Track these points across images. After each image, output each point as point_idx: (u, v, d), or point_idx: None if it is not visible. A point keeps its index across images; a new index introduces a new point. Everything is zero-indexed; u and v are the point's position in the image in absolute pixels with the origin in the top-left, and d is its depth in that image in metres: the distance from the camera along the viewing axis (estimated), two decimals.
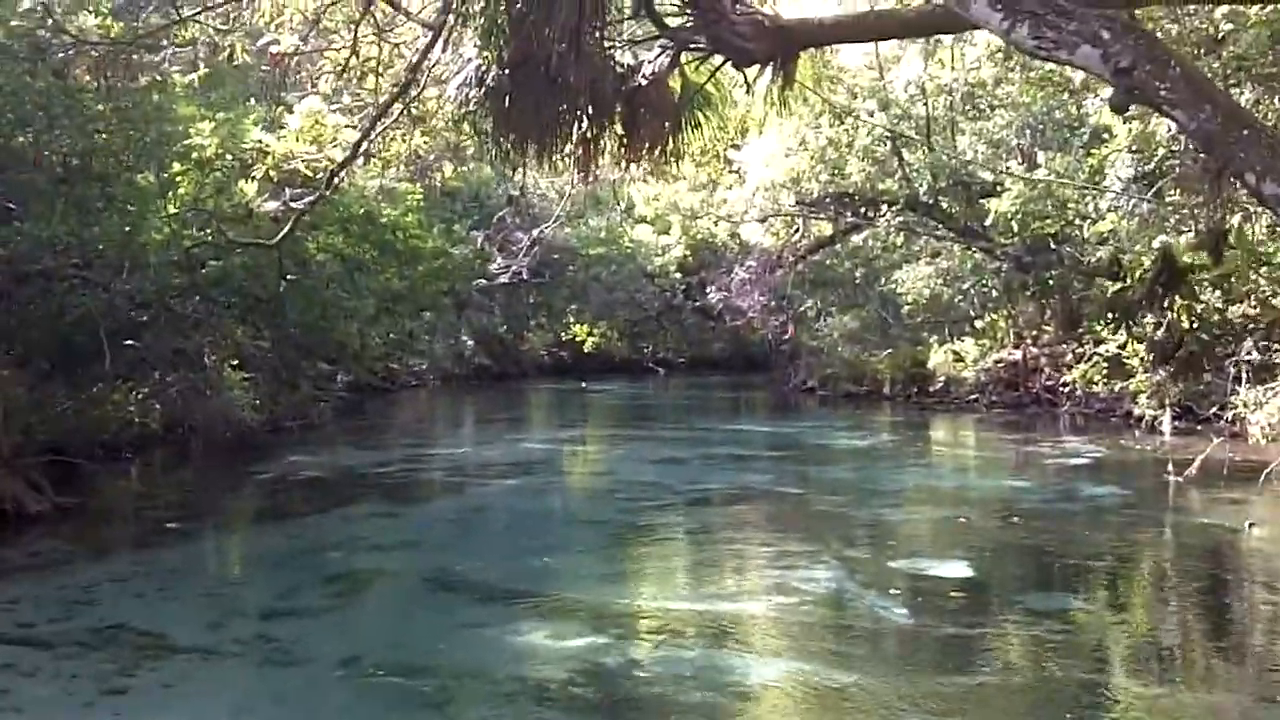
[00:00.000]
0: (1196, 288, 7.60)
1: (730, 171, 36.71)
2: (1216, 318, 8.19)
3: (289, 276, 17.90)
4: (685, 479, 19.47)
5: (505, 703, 8.23)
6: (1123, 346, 19.02)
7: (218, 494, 18.64)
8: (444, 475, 20.16)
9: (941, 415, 31.20)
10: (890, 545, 13.79)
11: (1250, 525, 13.87)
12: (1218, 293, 7.97)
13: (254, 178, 17.18)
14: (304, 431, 26.60)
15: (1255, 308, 8.39)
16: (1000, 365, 32.82)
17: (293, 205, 15.60)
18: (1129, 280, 7.89)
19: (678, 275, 47.97)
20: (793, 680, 8.52)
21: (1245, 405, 18.05)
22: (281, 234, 15.50)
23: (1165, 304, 7.78)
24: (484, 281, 31.35)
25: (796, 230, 35.56)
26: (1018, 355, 32.53)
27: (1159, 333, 9.06)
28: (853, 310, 38.92)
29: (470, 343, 48.44)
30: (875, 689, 8.18)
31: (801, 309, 39.88)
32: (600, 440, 28.40)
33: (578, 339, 49.62)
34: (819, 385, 39.35)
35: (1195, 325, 7.96)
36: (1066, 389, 29.26)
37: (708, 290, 38.43)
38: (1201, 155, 7.22)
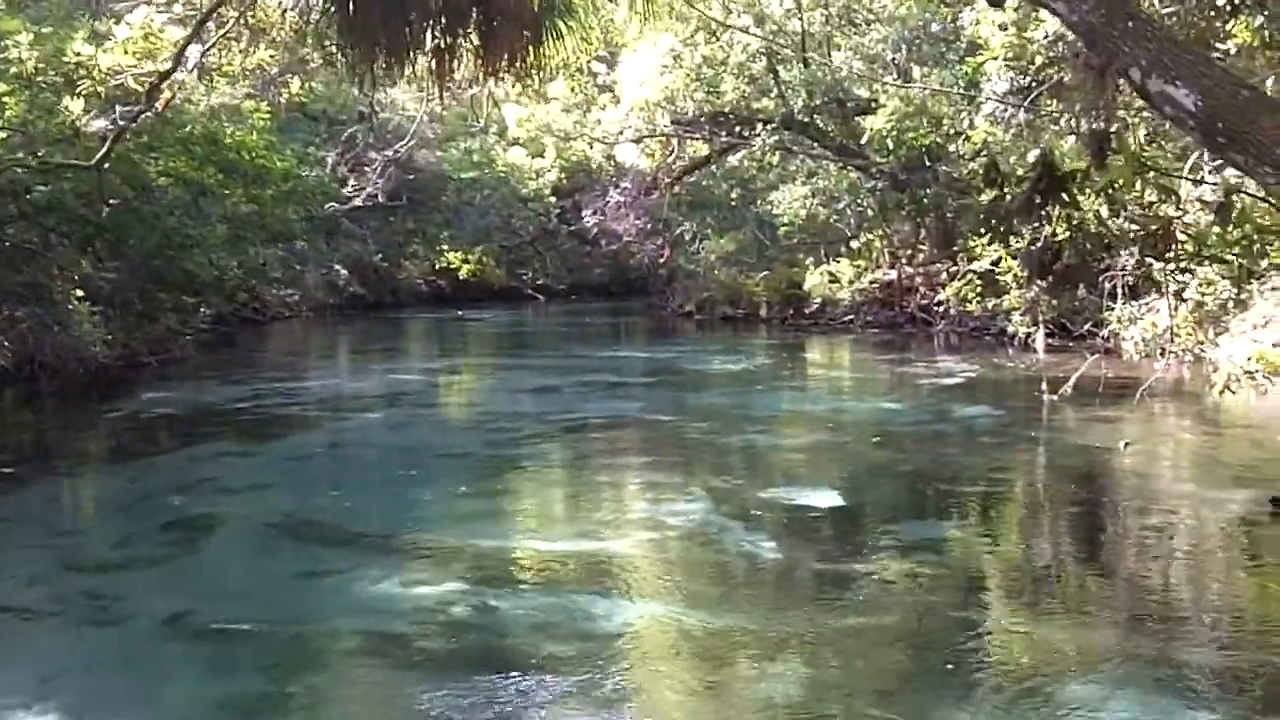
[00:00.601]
0: (1078, 196, 7.24)
1: (604, 91, 35.99)
2: (1096, 229, 7.86)
3: (129, 202, 16.77)
4: (557, 408, 18.92)
5: (344, 661, 7.62)
6: (996, 263, 18.76)
7: (61, 434, 17.63)
8: (305, 410, 19.34)
9: (818, 337, 31.09)
10: (761, 473, 13.39)
11: (1125, 445, 13.69)
12: (1099, 201, 7.61)
13: (80, 95, 16.01)
14: (164, 367, 25.46)
15: (1136, 218, 8.07)
16: (875, 285, 32.79)
17: (123, 124, 14.53)
18: (1005, 189, 7.50)
19: (552, 199, 47.18)
20: (659, 624, 8.01)
21: (1119, 321, 17.93)
22: (100, 154, 14.44)
23: (1043, 214, 7.40)
24: (336, 206, 29.75)
25: (672, 151, 34.97)
26: (893, 275, 32.50)
27: (1035, 245, 8.70)
28: (729, 233, 38.55)
29: (344, 272, 47.27)
30: (745, 631, 7.71)
31: (678, 232, 39.41)
32: (473, 370, 27.70)
33: (453, 266, 48.60)
34: (696, 309, 39.12)
35: (1074, 236, 7.61)
36: (941, 308, 29.25)
37: (583, 214, 37.68)
38: (1083, 51, 6.68)
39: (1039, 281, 8.70)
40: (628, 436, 16.38)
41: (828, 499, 11.56)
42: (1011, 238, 8.39)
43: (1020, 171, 8.21)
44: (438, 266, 49.39)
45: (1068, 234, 8.07)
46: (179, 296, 27.94)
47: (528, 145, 45.56)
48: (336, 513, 11.65)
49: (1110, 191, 7.80)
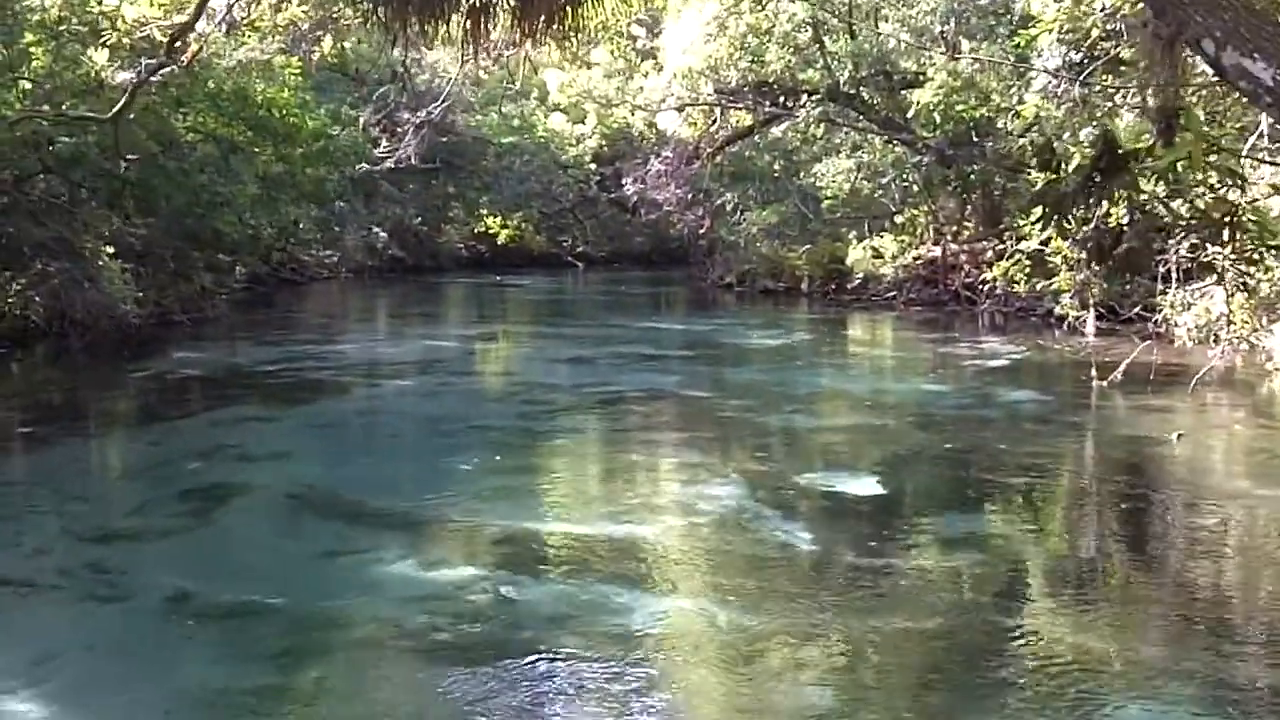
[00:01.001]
0: (1140, 178, 6.73)
1: (646, 58, 35.47)
2: (1157, 212, 7.36)
3: (155, 157, 16.39)
4: (591, 380, 18.54)
5: (355, 649, 7.22)
6: (1045, 243, 18.18)
7: (86, 394, 17.41)
8: (336, 375, 19.00)
9: (859, 313, 30.54)
10: (798, 456, 12.95)
11: (1177, 436, 13.15)
12: (1162, 184, 7.10)
13: (105, 46, 15.58)
14: (197, 326, 25.32)
15: (1200, 201, 7.55)
16: (919, 262, 32.16)
17: (143, 76, 14.12)
18: (1062, 170, 6.99)
19: (592, 167, 46.69)
20: (685, 619, 7.61)
21: (1173, 308, 17.33)
22: (118, 106, 14.05)
23: (1103, 195, 6.91)
24: (368, 166, 29.18)
25: (714, 121, 34.39)
26: (937, 252, 31.87)
27: (1092, 228, 8.22)
28: (772, 205, 37.93)
29: (383, 234, 47.05)
30: (776, 629, 7.30)
31: (719, 203, 38.84)
32: (509, 337, 27.35)
33: (491, 232, 48.30)
34: (737, 281, 38.67)
35: (1135, 219, 7.11)
36: (986, 287, 28.60)
37: (623, 182, 37.16)
38: (1150, 20, 6.18)
39: (1096, 266, 8.17)
40: (662, 412, 15.97)
41: (867, 486, 11.12)
42: (1067, 222, 7.86)
43: (1077, 152, 7.72)
44: (476, 231, 49.11)
45: (1128, 217, 7.56)
46: (213, 255, 27.75)
47: (569, 111, 45.08)
48: (360, 485, 11.30)
49: (1173, 173, 7.28)
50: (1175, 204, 7.94)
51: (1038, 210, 7.80)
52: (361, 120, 23.88)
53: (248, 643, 7.24)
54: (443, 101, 25.44)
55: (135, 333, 22.24)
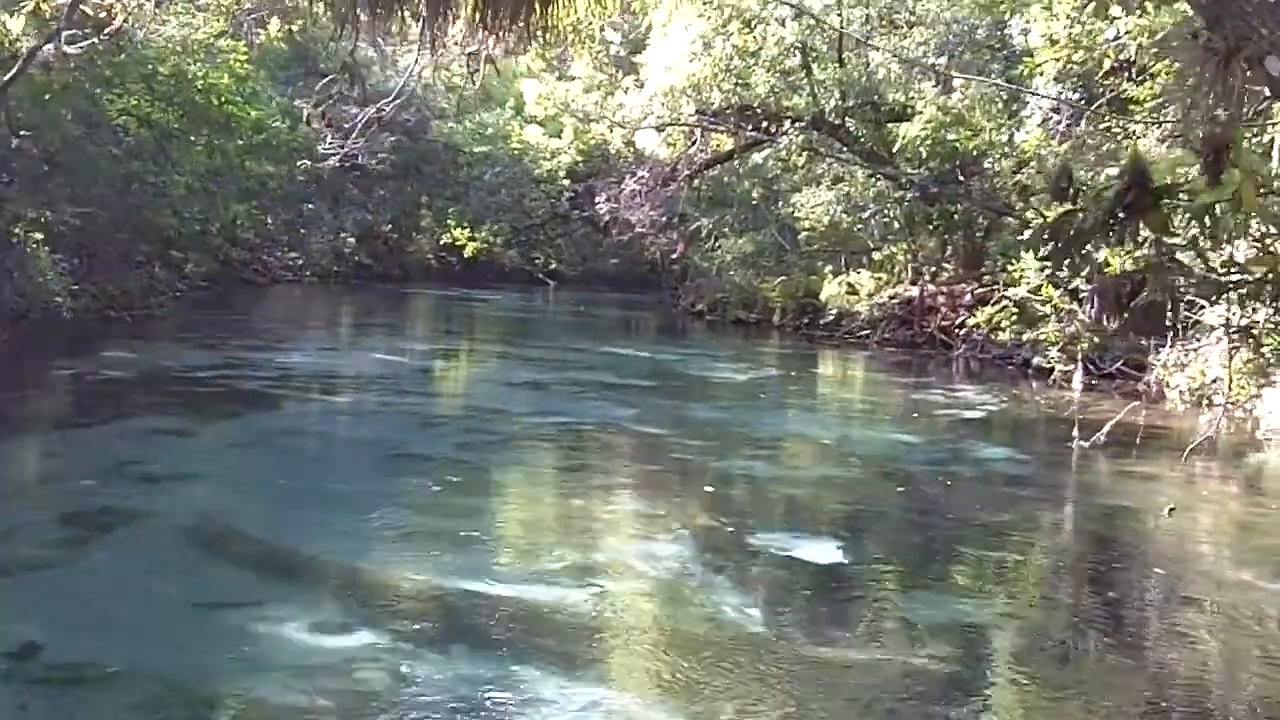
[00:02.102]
0: (1171, 216, 5.72)
1: (627, 74, 34.47)
2: (1195, 262, 6.37)
3: (75, 140, 15.10)
4: (542, 409, 17.41)
5: None
6: (1036, 290, 17.13)
7: None
8: (269, 385, 17.78)
9: (831, 350, 29.51)
10: (755, 511, 11.79)
11: (1169, 510, 12.07)
12: (1196, 227, 6.08)
13: (20, 13, 14.31)
14: (139, 324, 24.13)
15: (1237, 252, 6.56)
16: (895, 301, 31.13)
17: (68, 50, 12.90)
18: (1077, 202, 5.92)
19: (566, 182, 45.56)
20: (601, 716, 6.47)
21: (1165, 367, 16.35)
22: (9, 75, 12.83)
23: (1126, 234, 5.86)
24: (308, 163, 27.61)
25: (694, 142, 33.36)
26: (914, 292, 30.83)
27: (1107, 275, 7.31)
28: (749, 233, 36.95)
29: (351, 240, 45.90)
30: None
31: (694, 227, 37.85)
32: (465, 356, 26.18)
33: (459, 243, 47.05)
34: (708, 309, 37.72)
35: (1162, 267, 6.10)
36: (963, 331, 27.65)
37: (597, 200, 36.00)
38: (1202, 32, 5.08)
39: (1108, 318, 7.05)
40: (614, 450, 14.87)
41: (827, 552, 10.01)
42: (1078, 261, 6.74)
43: (1099, 183, 6.61)
44: (443, 241, 47.93)
45: (1155, 264, 6.46)
46: (165, 251, 26.57)
47: (545, 124, 44.02)
48: (264, 520, 10.13)
49: (1212, 217, 6.19)
50: (1211, 254, 6.86)
51: (1045, 246, 6.67)
52: (305, 113, 22.45)
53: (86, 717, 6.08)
54: (395, 98, 24.06)
55: (69, 328, 21.01)
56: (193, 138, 19.76)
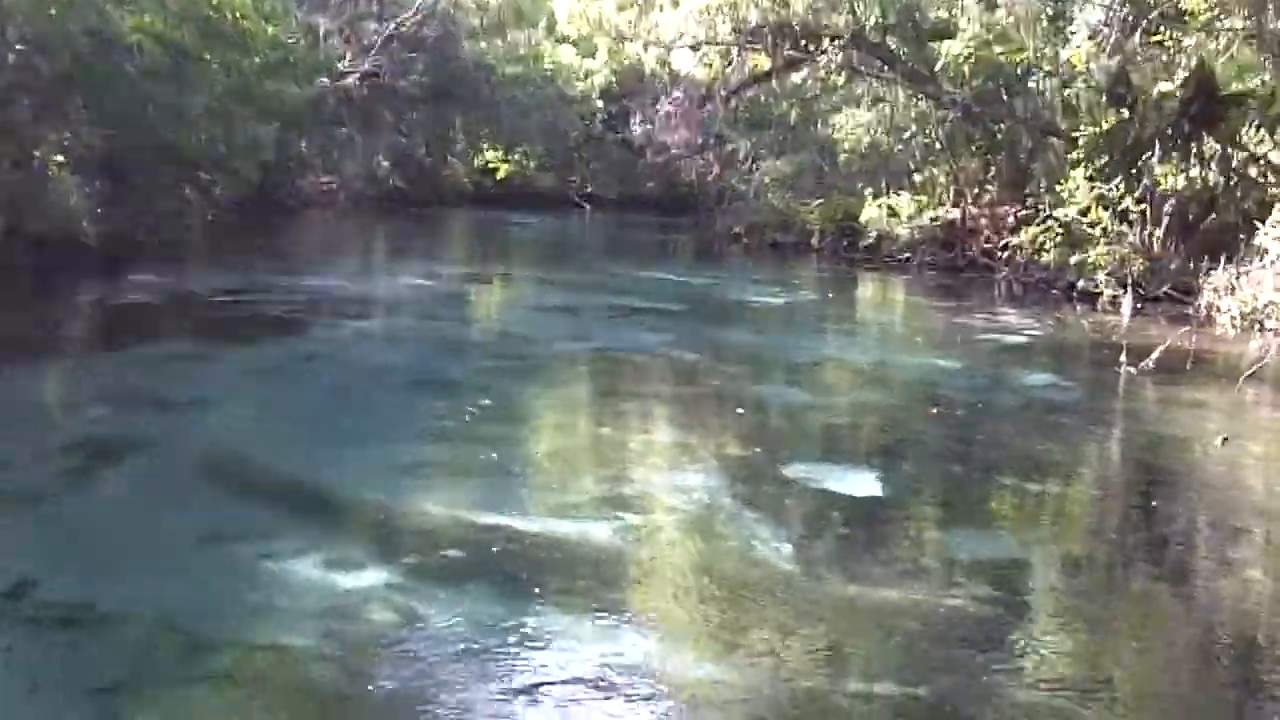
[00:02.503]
0: (1240, 129, 5.14)
1: None
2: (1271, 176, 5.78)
3: (81, 59, 14.57)
4: (572, 333, 17.02)
5: (201, 694, 5.66)
6: (1085, 211, 16.45)
7: (8, 316, 15.79)
8: (295, 310, 17.43)
9: (870, 274, 28.91)
10: (788, 440, 11.34)
11: (1222, 440, 11.55)
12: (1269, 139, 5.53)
13: None
14: (167, 248, 23.80)
15: None
16: (936, 224, 30.40)
17: None
18: (1134, 112, 5.31)
19: (599, 104, 44.75)
20: (604, 669, 6.03)
21: (1216, 292, 15.72)
22: None
23: (1192, 147, 5.27)
24: (326, 81, 26.63)
25: (730, 63, 32.57)
26: (956, 214, 30.11)
27: (1175, 191, 6.74)
28: (786, 155, 36.21)
29: (385, 164, 45.41)
30: (719, 697, 5.78)
31: (730, 150, 37.14)
32: (497, 280, 25.73)
33: (491, 166, 46.51)
34: (745, 233, 36.98)
35: (1234, 183, 5.53)
36: (1005, 254, 26.99)
37: (631, 122, 35.25)
38: None
39: (1173, 239, 6.51)
40: (644, 376, 14.43)
41: (863, 484, 9.57)
42: (1137, 174, 6.16)
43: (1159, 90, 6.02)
44: (476, 165, 47.36)
45: (1225, 179, 5.90)
46: (192, 174, 26.18)
47: (578, 44, 43.20)
48: (279, 449, 9.79)
49: None
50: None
51: (1099, 159, 6.13)
52: (322, 28, 21.68)
53: (72, 666, 5.74)
54: (415, 13, 23.35)
55: (93, 252, 20.69)
56: (207, 55, 19.20)
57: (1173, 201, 6.54)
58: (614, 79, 43.96)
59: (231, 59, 19.81)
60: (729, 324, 19.65)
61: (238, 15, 19.22)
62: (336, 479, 8.95)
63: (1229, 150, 5.01)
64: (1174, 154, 5.23)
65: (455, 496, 8.72)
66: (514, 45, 42.39)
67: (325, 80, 23.23)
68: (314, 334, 15.81)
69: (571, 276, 26.64)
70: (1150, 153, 5.25)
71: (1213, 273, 15.76)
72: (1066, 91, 21.31)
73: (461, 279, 24.50)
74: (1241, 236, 5.79)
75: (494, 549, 7.63)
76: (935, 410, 12.67)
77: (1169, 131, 5.04)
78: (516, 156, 46.85)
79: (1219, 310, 15.92)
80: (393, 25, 21.68)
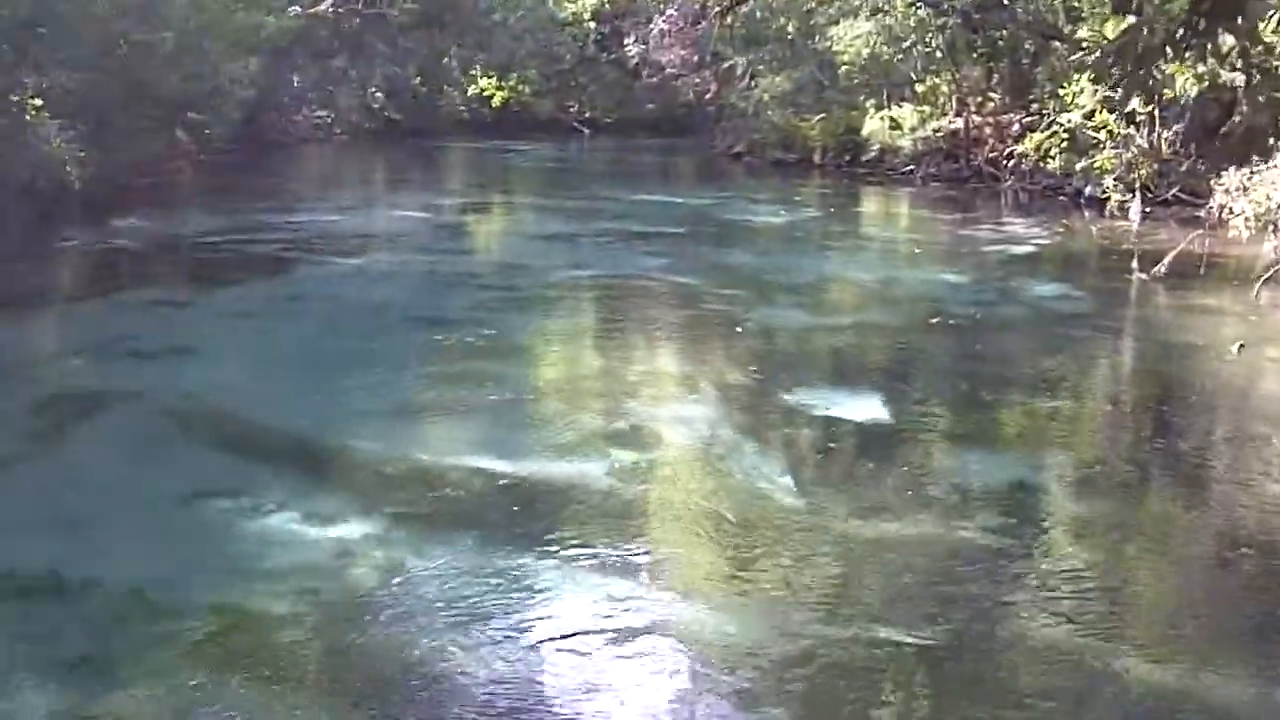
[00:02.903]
0: (1261, 24, 4.73)
1: None
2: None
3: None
4: (566, 261, 16.61)
5: (172, 669, 5.29)
6: (1089, 115, 15.88)
7: None
8: (284, 249, 17.01)
9: (874, 188, 28.40)
10: (790, 365, 10.93)
11: (1238, 347, 11.15)
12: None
13: None
14: (155, 190, 23.40)
15: None
16: (940, 134, 29.78)
17: None
18: (1146, 11, 4.92)
19: (592, 25, 43.80)
20: (612, 621, 5.71)
21: (1228, 193, 15.20)
22: None
23: (1207, 45, 4.84)
24: (298, 10, 25.38)
25: None
26: (959, 124, 29.48)
27: (1192, 95, 6.31)
28: (785, 71, 35.45)
29: (380, 95, 44.67)
30: (721, 644, 5.46)
31: (727, 66, 36.38)
32: (492, 209, 25.26)
33: (486, 93, 45.65)
34: (746, 151, 36.37)
35: (1255, 81, 5.10)
36: (1011, 163, 26.43)
37: (625, 42, 34.40)
38: None
39: (1194, 146, 6.05)
40: (641, 303, 14.04)
41: (869, 409, 9.19)
42: (1149, 80, 5.72)
43: None
44: (470, 93, 46.53)
45: (1248, 80, 5.46)
46: (179, 114, 25.68)
47: None
48: (259, 397, 9.42)
49: None
50: None
51: (1110, 67, 5.69)
52: None
53: (37, 639, 5.42)
54: None
55: (79, 196, 20.23)
56: None
57: (1190, 105, 6.09)
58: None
59: None
60: (729, 245, 19.19)
61: None
62: (323, 427, 8.62)
63: (1248, 45, 4.58)
64: (1188, 56, 4.79)
65: (447, 440, 8.39)
66: None
67: (298, 8, 22.21)
68: (302, 272, 15.40)
69: (569, 203, 26.13)
70: (1162, 57, 4.84)
71: (1224, 174, 15.26)
72: None
73: (457, 209, 24.03)
74: (1272, 140, 5.30)
75: (483, 496, 7.32)
76: (939, 322, 12.28)
77: (1181, 33, 4.62)
78: (511, 82, 45.96)
79: (1231, 213, 15.41)
80: None
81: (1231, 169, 15.01)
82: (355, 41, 39.65)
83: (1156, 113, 15.45)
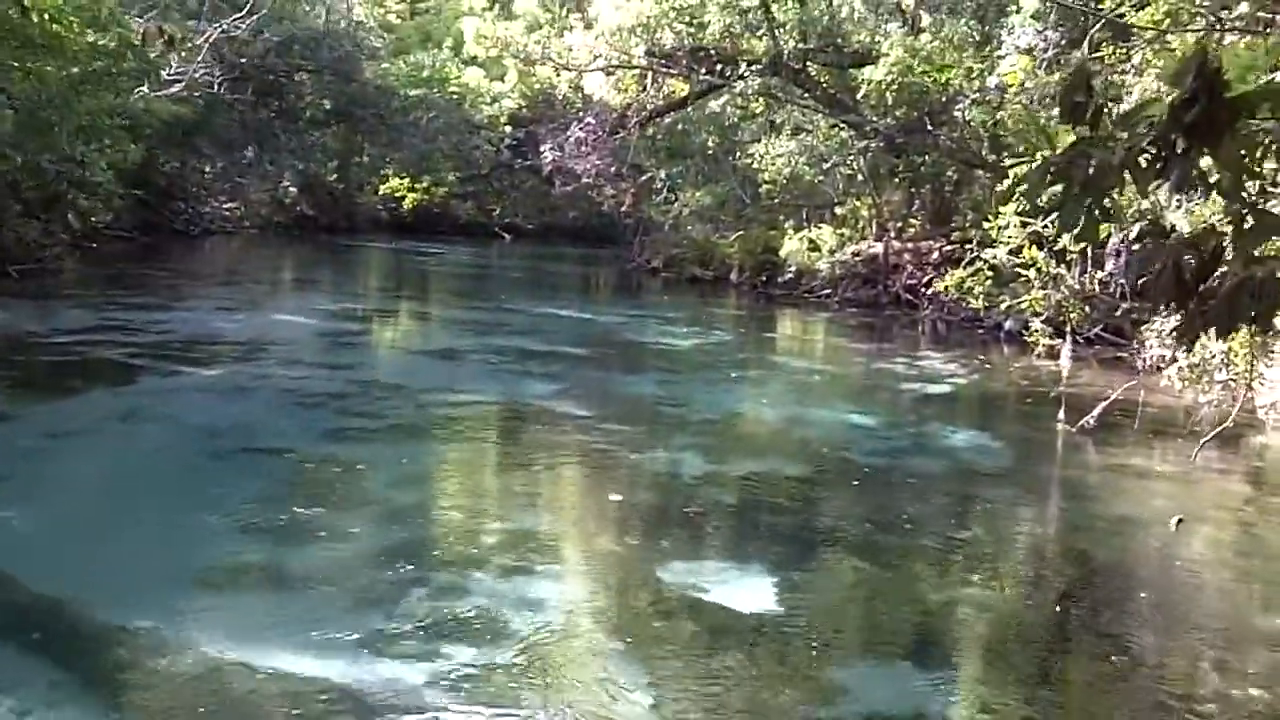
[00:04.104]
0: (1259, 142, 3.71)
1: (574, 12, 32.10)
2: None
3: None
4: (448, 383, 15.21)
5: None
6: (1016, 251, 14.78)
7: None
8: (137, 353, 15.39)
9: (790, 310, 27.49)
10: (672, 530, 9.40)
11: (1177, 522, 9.93)
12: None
13: None
14: (21, 280, 21.87)
15: None
16: (859, 259, 29.03)
17: None
18: (1097, 126, 3.85)
19: (508, 129, 42.88)
20: None
21: (1159, 337, 14.16)
22: None
23: (1190, 169, 3.76)
24: (145, 91, 23.85)
25: (645, 88, 30.98)
26: (879, 249, 28.71)
27: (1165, 236, 5.35)
28: (707, 186, 34.69)
29: (293, 189, 43.49)
30: None
31: (644, 179, 35.54)
32: (385, 317, 23.79)
33: (396, 193, 44.53)
34: (664, 266, 35.64)
35: (1247, 223, 4.04)
36: (929, 291, 25.57)
37: (541, 149, 33.32)
38: None
39: (1171, 306, 4.78)
40: (516, 440, 12.65)
41: (758, 596, 7.77)
42: (1098, 215, 4.43)
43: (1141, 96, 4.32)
44: (381, 192, 45.44)
45: (1239, 218, 4.19)
46: (57, 199, 24.21)
47: (487, 67, 41.33)
48: (30, 553, 7.81)
49: None
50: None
51: (1049, 192, 4.43)
52: (142, 29, 19.17)
53: None
54: (247, 12, 20.94)
55: None
56: (15, 64, 16.94)
57: (1160, 250, 5.15)
58: (524, 104, 42.03)
59: (34, 67, 17.44)
60: (631, 371, 17.90)
61: (46, 18, 16.74)
62: (102, 600, 7.04)
63: (1250, 168, 3.62)
64: (1157, 180, 3.78)
65: (245, 624, 6.84)
66: (418, 66, 40.29)
67: (144, 90, 20.61)
68: (147, 385, 13.80)
69: (471, 313, 24.85)
70: (1118, 183, 3.86)
71: (1156, 318, 14.28)
72: (1000, 114, 19.80)
73: (348, 315, 22.56)
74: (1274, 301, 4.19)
75: (281, 706, 5.80)
76: (848, 484, 11.00)
77: (1152, 152, 3.61)
78: (425, 183, 44.88)
79: (1164, 361, 14.40)
80: (218, 27, 19.31)
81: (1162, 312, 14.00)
82: (264, 134, 38.36)
83: (1089, 251, 14.45)
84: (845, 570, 8.69)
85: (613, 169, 33.95)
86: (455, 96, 40.97)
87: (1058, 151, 4.34)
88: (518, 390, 14.94)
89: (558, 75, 36.14)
